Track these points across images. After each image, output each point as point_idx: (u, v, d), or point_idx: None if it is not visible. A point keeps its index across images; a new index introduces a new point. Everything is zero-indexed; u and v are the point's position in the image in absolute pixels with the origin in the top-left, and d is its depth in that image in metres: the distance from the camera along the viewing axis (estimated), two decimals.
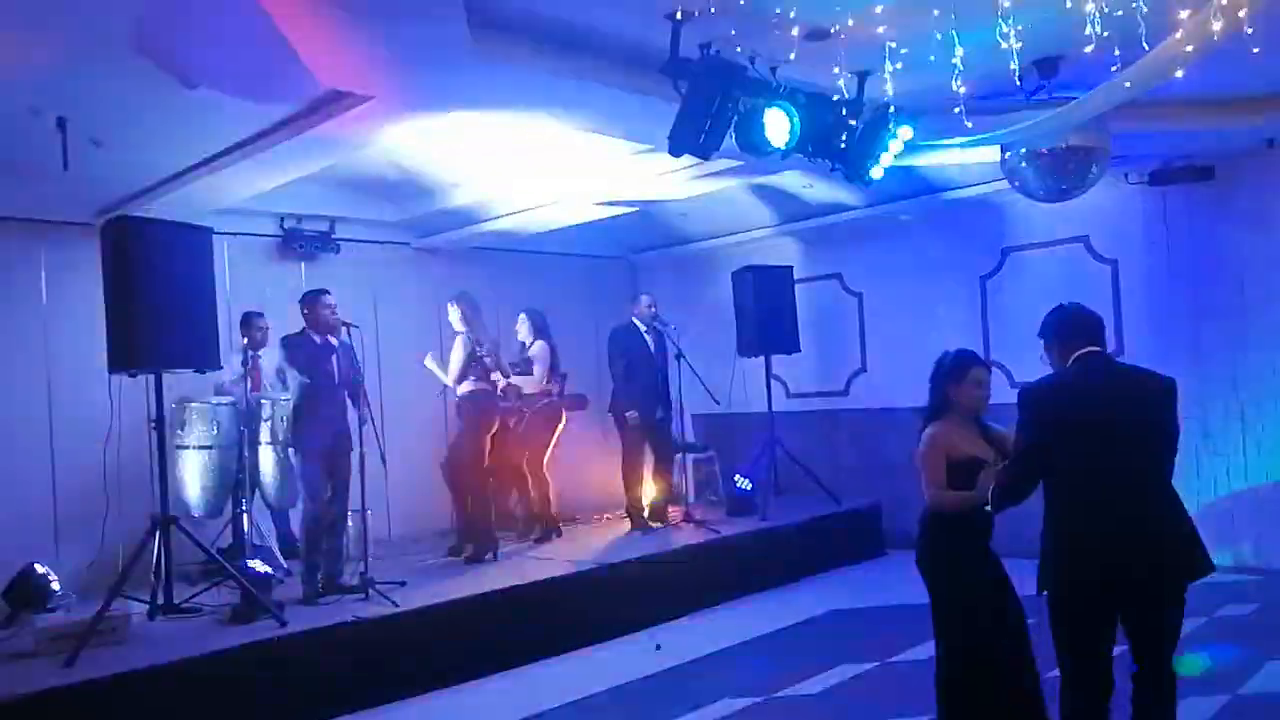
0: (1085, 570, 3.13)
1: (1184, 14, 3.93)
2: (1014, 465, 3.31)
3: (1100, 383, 3.25)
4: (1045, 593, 3.22)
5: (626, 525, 7.85)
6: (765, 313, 8.45)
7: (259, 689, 4.76)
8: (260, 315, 6.80)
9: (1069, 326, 3.36)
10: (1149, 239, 7.51)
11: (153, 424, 5.54)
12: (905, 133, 5.53)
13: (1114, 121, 5.75)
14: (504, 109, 5.31)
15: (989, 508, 3.42)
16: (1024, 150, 5.94)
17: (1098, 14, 4.04)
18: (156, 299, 5.21)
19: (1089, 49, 4.16)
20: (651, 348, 7.76)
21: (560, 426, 7.79)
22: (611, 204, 7.66)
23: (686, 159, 5.15)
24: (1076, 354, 3.29)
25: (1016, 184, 6.28)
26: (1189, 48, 4.03)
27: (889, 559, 8.29)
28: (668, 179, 6.98)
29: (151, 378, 5.48)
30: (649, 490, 7.88)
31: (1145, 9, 3.88)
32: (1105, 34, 4.10)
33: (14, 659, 4.77)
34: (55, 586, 5.71)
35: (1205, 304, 7.26)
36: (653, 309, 7.79)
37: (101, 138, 5.43)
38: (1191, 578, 3.17)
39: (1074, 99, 5.07)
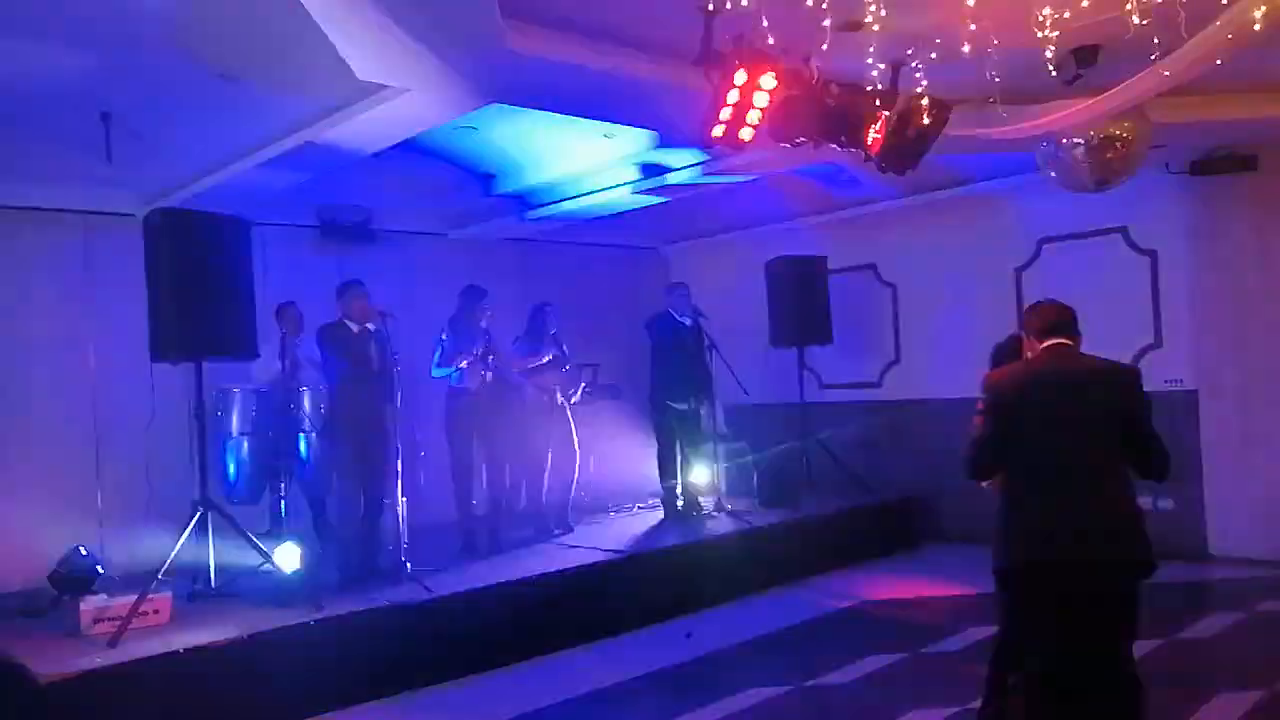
0: (1031, 553, 3.24)
1: (1224, 1, 3.87)
2: (973, 447, 3.43)
3: (1056, 372, 3.37)
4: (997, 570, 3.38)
5: (660, 514, 7.89)
6: (798, 303, 8.44)
7: (295, 671, 4.85)
8: (294, 305, 6.89)
9: (1039, 320, 3.49)
10: (1190, 230, 7.40)
11: (193, 411, 5.64)
12: (938, 123, 5.47)
13: (1154, 110, 5.67)
14: (537, 101, 5.34)
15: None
16: (1061, 140, 5.88)
17: (1137, 2, 3.99)
18: (197, 289, 5.30)
19: (1128, 37, 4.11)
20: (688, 337, 7.74)
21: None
22: (644, 193, 7.63)
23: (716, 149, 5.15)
24: (1046, 343, 3.43)
25: (1053, 174, 6.21)
26: (1229, 36, 3.97)
27: (922, 551, 8.26)
28: (698, 170, 6.99)
29: (192, 366, 5.57)
30: (681, 479, 7.89)
31: None
32: (1144, 22, 4.05)
33: (60, 639, 4.91)
34: (99, 569, 5.84)
35: (1247, 296, 7.14)
36: (686, 299, 7.75)
37: (143, 131, 5.54)
38: (1128, 572, 3.23)
39: (1112, 88, 5.01)
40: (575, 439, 7.54)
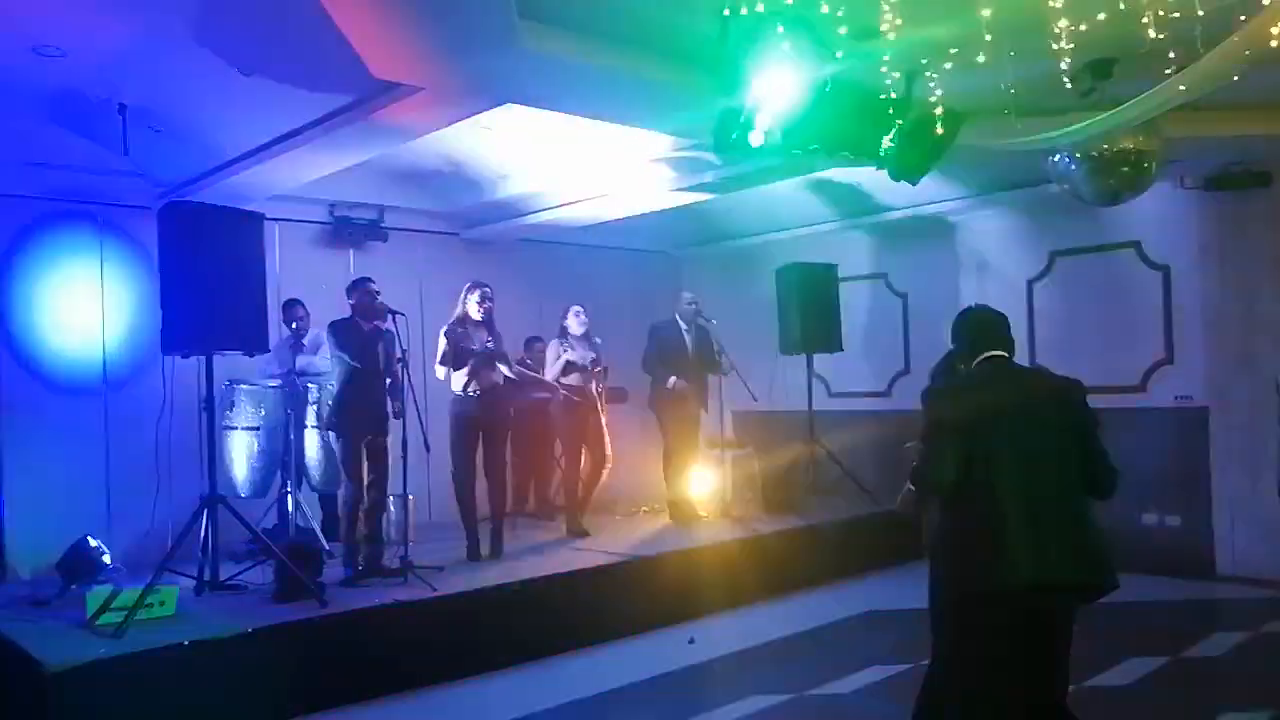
0: (988, 579, 3.00)
1: (1242, 17, 3.86)
2: (922, 467, 3.20)
3: (1002, 386, 3.22)
4: (939, 600, 3.21)
5: (665, 518, 7.89)
6: (808, 311, 8.43)
7: (298, 666, 4.86)
8: (301, 303, 6.92)
9: (972, 330, 3.33)
10: (1203, 246, 7.37)
11: (203, 405, 5.67)
12: (951, 133, 5.48)
13: (1168, 125, 5.65)
14: (552, 102, 5.36)
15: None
16: (1075, 153, 5.86)
17: (1153, 16, 3.99)
18: (209, 283, 5.32)
19: (1144, 51, 4.11)
20: (689, 344, 7.74)
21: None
22: (678, 190, 7.59)
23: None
24: (980, 358, 3.26)
25: (1066, 187, 6.20)
26: (1247, 52, 3.97)
27: (927, 562, 8.22)
28: (707, 175, 7.01)
29: (202, 359, 5.60)
30: (687, 485, 7.89)
31: (1202, 12, 3.82)
32: (1161, 36, 4.04)
33: (66, 629, 4.93)
34: (106, 560, 5.87)
35: (1259, 313, 7.11)
36: (694, 305, 7.77)
37: (160, 124, 5.58)
38: (1094, 595, 3.05)
39: (1128, 101, 5.00)
40: (608, 442, 7.52)
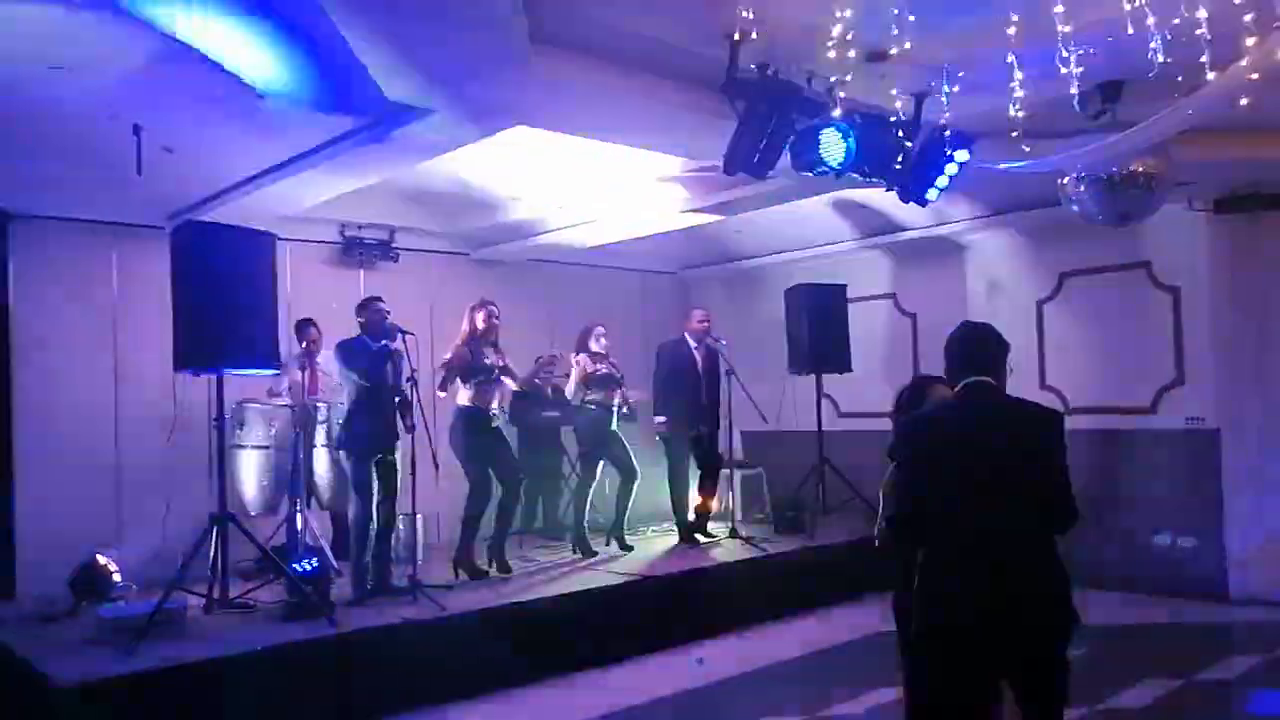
0: (948, 618, 2.90)
1: (1250, 41, 3.88)
2: (893, 505, 3.13)
3: (974, 418, 3.02)
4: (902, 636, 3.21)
5: (673, 539, 7.87)
6: (817, 331, 8.43)
7: (307, 685, 4.86)
8: (313, 323, 6.96)
9: (958, 352, 3.13)
10: (1213, 268, 7.35)
11: (214, 423, 5.69)
12: (961, 155, 5.51)
13: (1177, 147, 5.66)
14: (563, 124, 5.40)
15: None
16: (1084, 174, 5.87)
17: (1161, 39, 4.01)
18: (221, 301, 5.36)
19: (1152, 74, 4.12)
20: (699, 363, 7.75)
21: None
22: (693, 211, 7.59)
23: (739, 177, 5.19)
24: (962, 383, 3.08)
25: (1076, 208, 6.20)
26: (1254, 75, 3.98)
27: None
28: (720, 196, 7.03)
29: (214, 377, 5.63)
30: (695, 505, 7.88)
31: (1209, 36, 3.84)
32: (1168, 60, 4.06)
33: (77, 646, 4.95)
34: (117, 578, 5.89)
35: (1270, 336, 7.09)
36: (705, 324, 7.79)
37: (174, 145, 5.63)
38: (1049, 637, 2.89)
39: (1136, 124, 5.01)
40: (633, 457, 7.51)
